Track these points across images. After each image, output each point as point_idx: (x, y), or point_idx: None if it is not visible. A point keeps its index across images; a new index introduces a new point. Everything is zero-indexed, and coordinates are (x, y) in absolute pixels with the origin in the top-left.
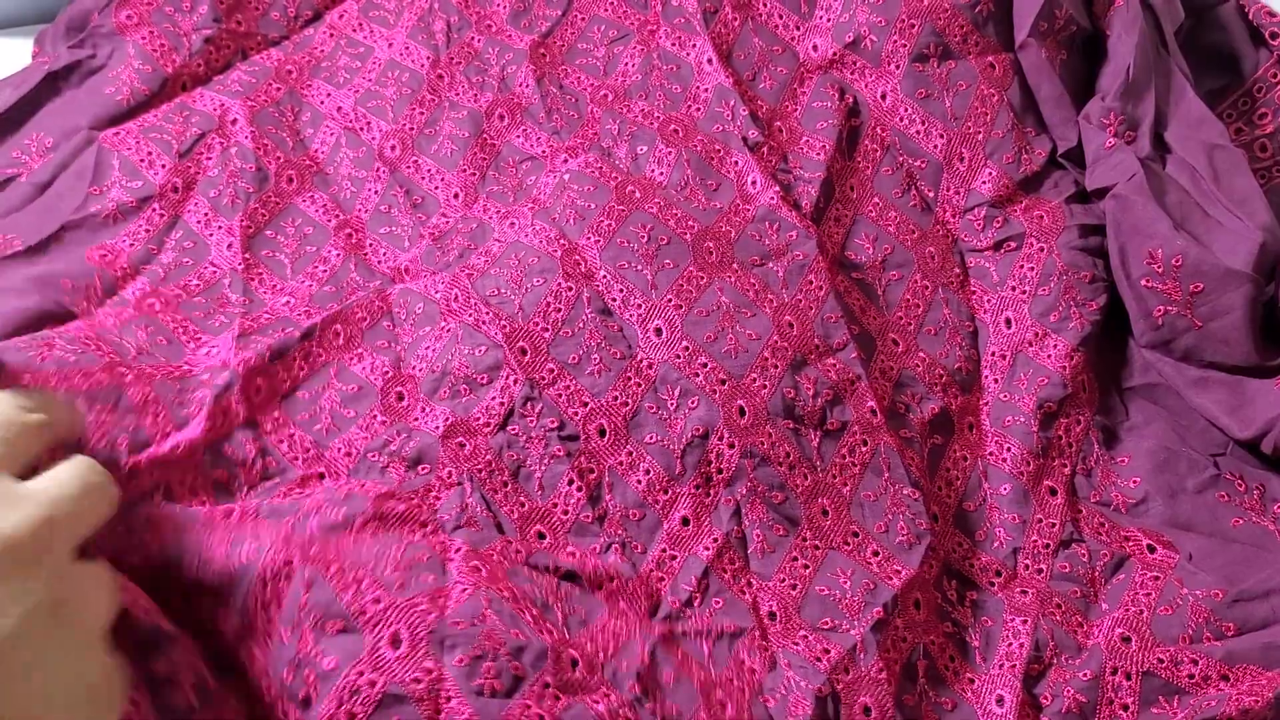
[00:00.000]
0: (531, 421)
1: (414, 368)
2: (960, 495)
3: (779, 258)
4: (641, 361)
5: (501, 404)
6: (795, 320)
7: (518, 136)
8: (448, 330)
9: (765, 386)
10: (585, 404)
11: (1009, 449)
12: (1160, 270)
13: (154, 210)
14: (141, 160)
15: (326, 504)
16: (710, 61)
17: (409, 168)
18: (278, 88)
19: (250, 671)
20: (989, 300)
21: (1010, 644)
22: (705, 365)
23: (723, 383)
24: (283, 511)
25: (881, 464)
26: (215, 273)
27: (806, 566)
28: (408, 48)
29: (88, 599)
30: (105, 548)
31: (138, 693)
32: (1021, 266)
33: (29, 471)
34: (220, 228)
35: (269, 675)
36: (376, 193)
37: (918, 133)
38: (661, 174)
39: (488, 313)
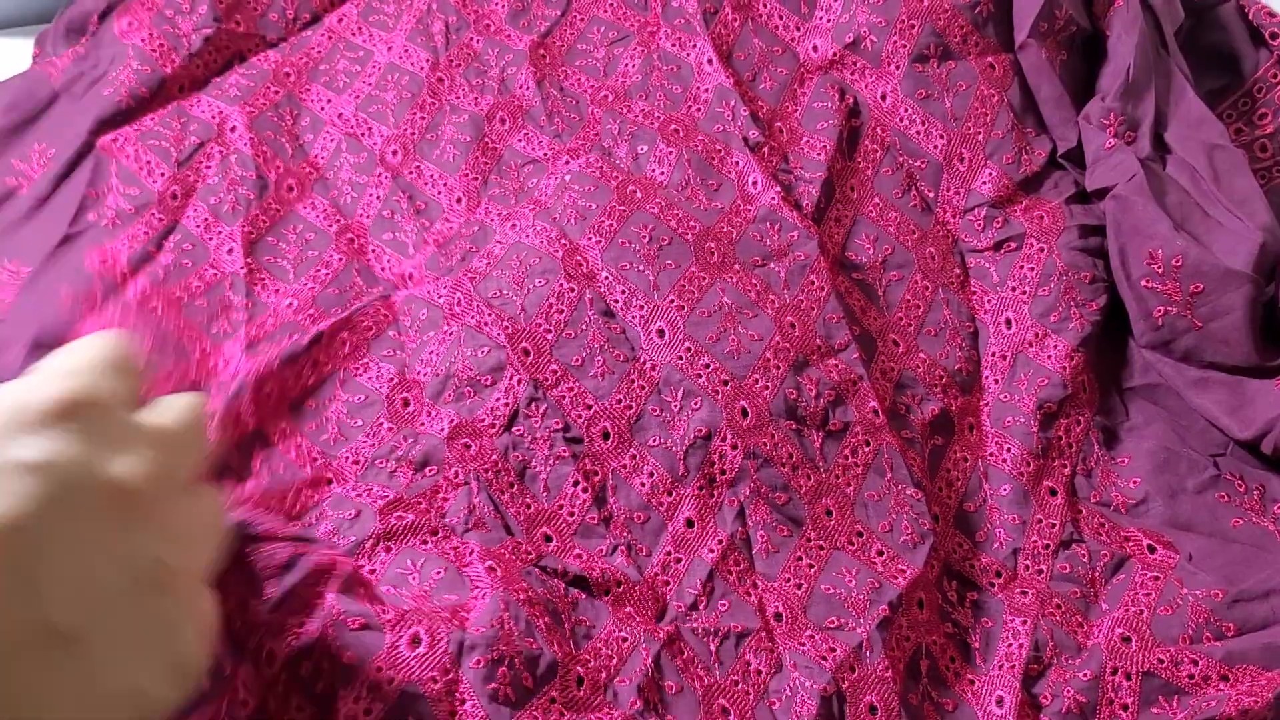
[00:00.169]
0: (536, 422)
1: (419, 373)
2: (961, 496)
3: (780, 258)
4: (645, 364)
5: (506, 405)
6: (797, 321)
7: (519, 140)
8: (450, 334)
9: (768, 387)
10: (589, 406)
11: (1009, 449)
12: (1160, 271)
13: (153, 214)
14: (140, 169)
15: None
16: (710, 62)
17: (411, 173)
18: (276, 91)
19: (268, 659)
20: (989, 301)
21: (1010, 644)
22: (708, 366)
23: (725, 384)
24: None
25: (884, 464)
26: (215, 275)
27: (811, 566)
28: (407, 50)
29: (194, 544)
30: None
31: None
32: (1021, 267)
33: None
34: (221, 233)
35: (288, 665)
36: (379, 198)
37: (918, 133)
38: (662, 174)
39: (490, 314)
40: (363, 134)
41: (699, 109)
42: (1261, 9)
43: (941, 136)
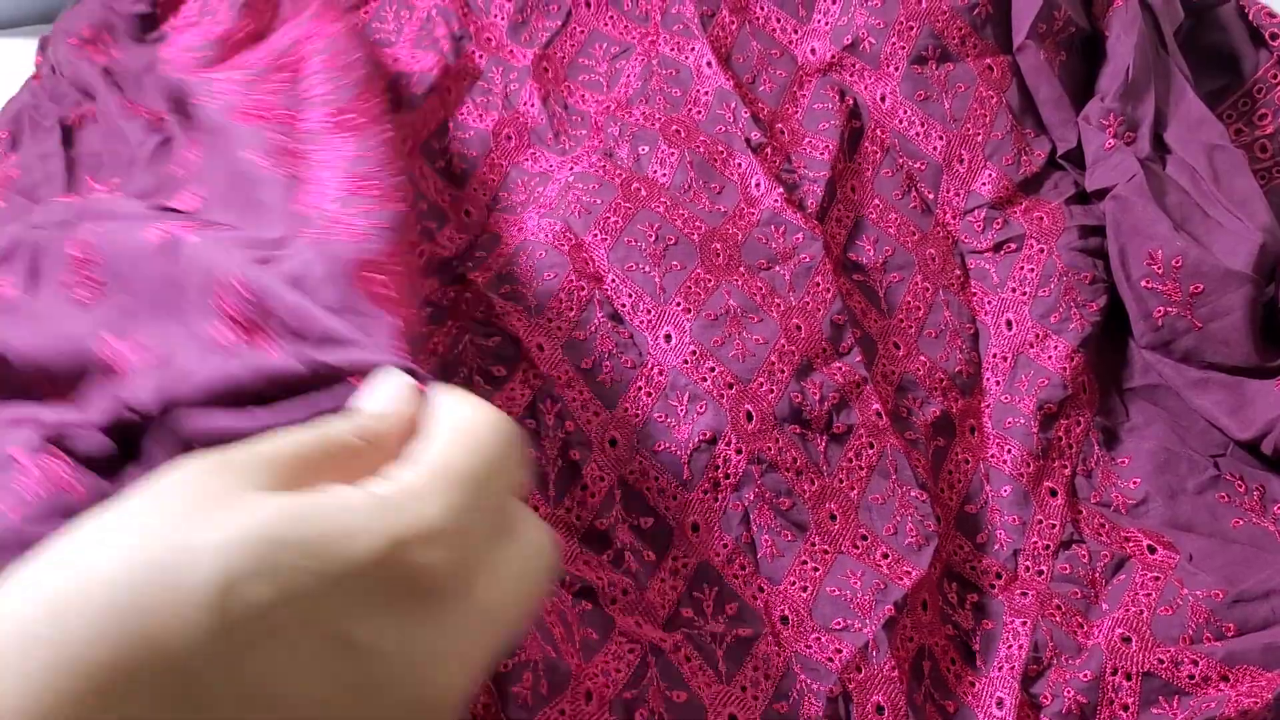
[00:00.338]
0: (550, 420)
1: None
2: (962, 498)
3: (785, 261)
4: (652, 369)
5: (523, 395)
6: (803, 323)
7: (526, 159)
8: (460, 326)
9: (772, 391)
10: (596, 414)
11: (1009, 451)
12: (1160, 271)
13: None
14: None
15: None
16: (709, 65)
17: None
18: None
19: None
20: (989, 302)
21: (1010, 646)
22: (713, 370)
23: (730, 387)
24: None
25: (889, 466)
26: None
27: (816, 569)
28: (414, 56)
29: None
30: None
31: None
32: (1022, 268)
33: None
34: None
35: None
36: None
37: (917, 135)
38: (664, 175)
39: (500, 308)
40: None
41: (699, 111)
42: (1261, 9)
43: (941, 138)
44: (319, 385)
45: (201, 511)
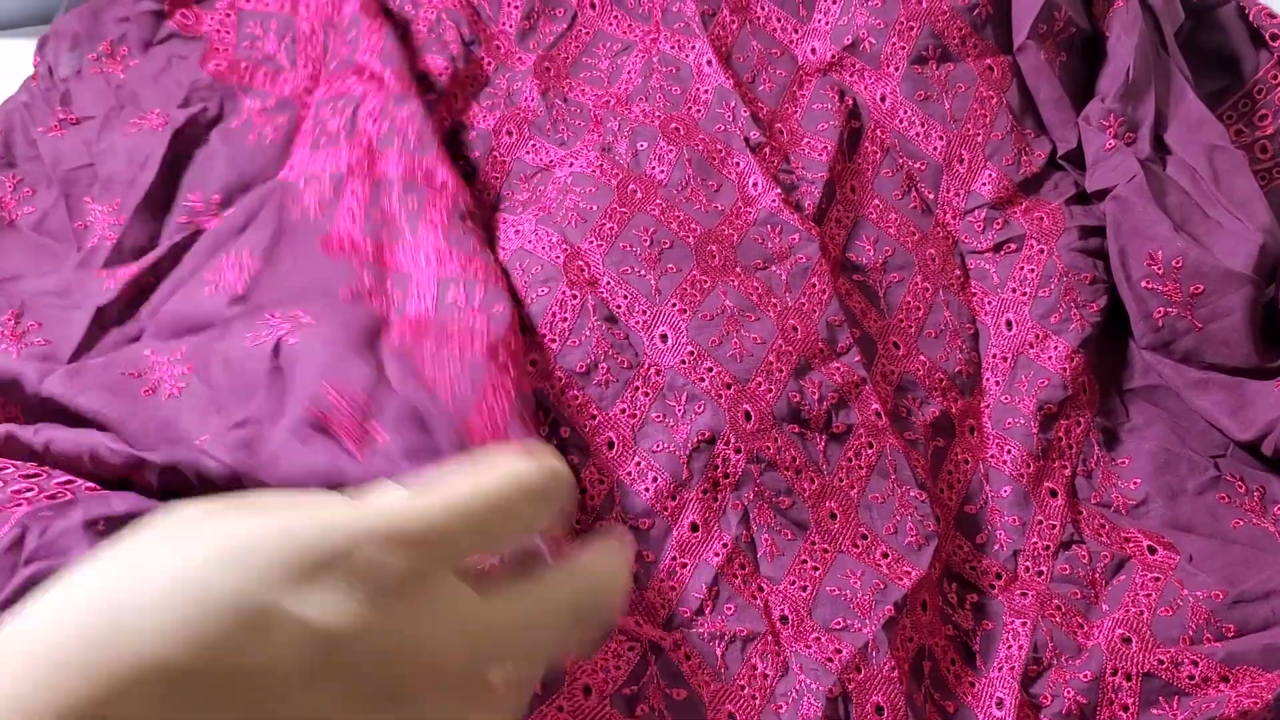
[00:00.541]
0: (543, 431)
1: None
2: (961, 498)
3: (781, 261)
4: (649, 369)
5: None
6: (799, 324)
7: (526, 152)
8: None
9: (771, 391)
10: (593, 416)
11: (1009, 451)
12: (1160, 272)
13: None
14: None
15: None
16: (710, 63)
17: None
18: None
19: None
20: (990, 302)
21: (1010, 646)
22: (711, 370)
23: (728, 387)
24: None
25: (888, 466)
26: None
27: (816, 569)
28: (424, 61)
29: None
30: None
31: None
32: (1022, 268)
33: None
34: None
35: None
36: None
37: (917, 135)
38: (662, 172)
39: None
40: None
41: (699, 110)
42: (1262, 10)
43: (941, 138)
44: None
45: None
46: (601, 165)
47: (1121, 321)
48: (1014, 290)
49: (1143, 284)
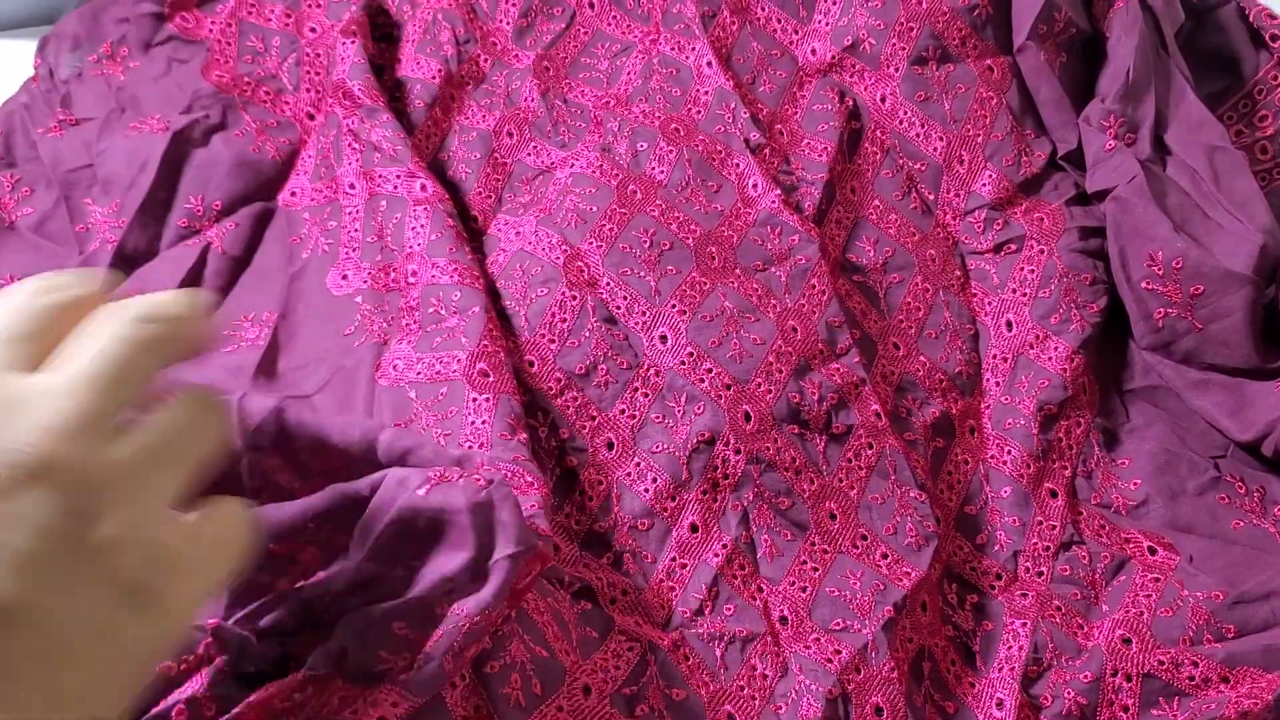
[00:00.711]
0: (542, 432)
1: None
2: (962, 499)
3: (781, 262)
4: (649, 370)
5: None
6: (799, 325)
7: (528, 154)
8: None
9: (770, 391)
10: (592, 417)
11: (1009, 452)
12: (1160, 272)
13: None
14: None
15: None
16: (710, 64)
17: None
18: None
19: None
20: (990, 303)
21: (1010, 647)
22: (710, 371)
23: (728, 388)
24: None
25: (888, 466)
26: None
27: (816, 570)
28: (418, 62)
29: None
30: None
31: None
32: (1022, 269)
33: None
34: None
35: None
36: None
37: (917, 135)
38: (662, 172)
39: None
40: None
41: (699, 111)
42: (1262, 11)
43: (941, 139)
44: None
45: None
46: (601, 166)
47: (1121, 322)
48: (1014, 291)
49: (1143, 285)
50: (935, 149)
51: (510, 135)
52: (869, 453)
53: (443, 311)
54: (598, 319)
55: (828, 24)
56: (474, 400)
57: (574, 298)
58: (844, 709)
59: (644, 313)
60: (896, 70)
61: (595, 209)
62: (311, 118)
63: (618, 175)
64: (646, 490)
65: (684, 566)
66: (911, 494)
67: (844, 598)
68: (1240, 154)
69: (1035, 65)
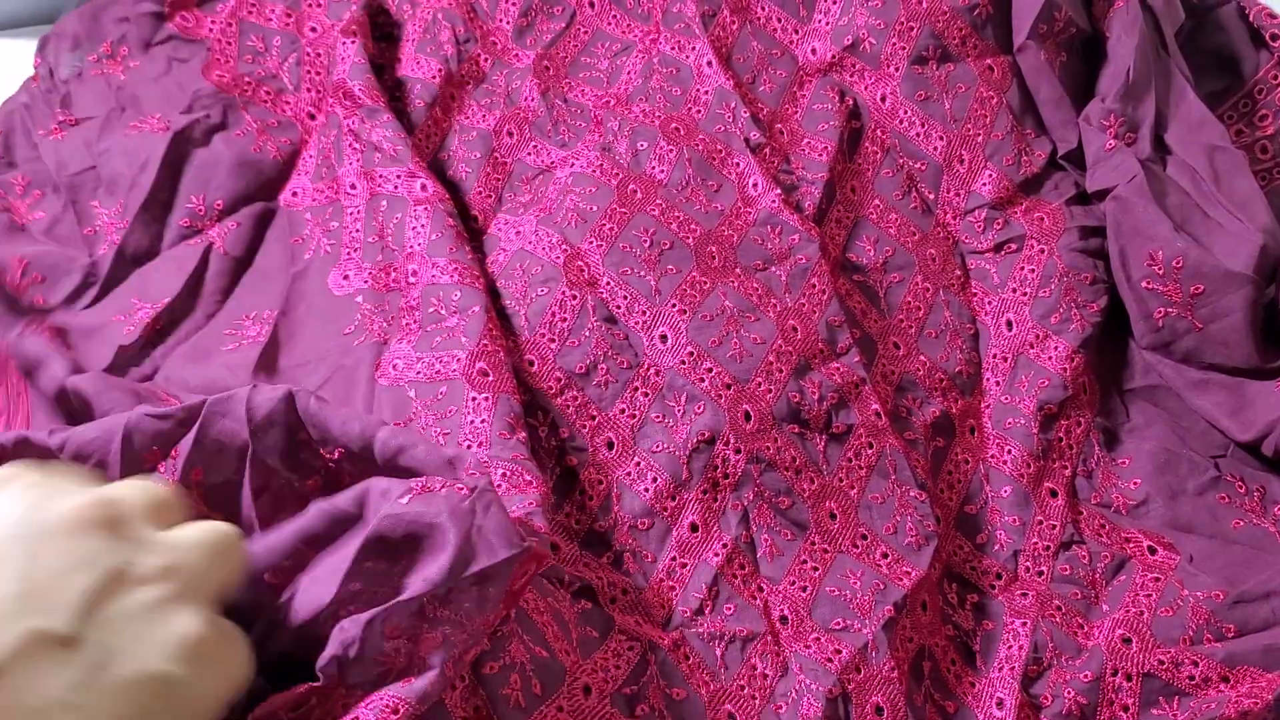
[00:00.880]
0: (542, 432)
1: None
2: (962, 498)
3: (781, 262)
4: (649, 369)
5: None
6: (799, 324)
7: (528, 154)
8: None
9: (770, 391)
10: (592, 417)
11: (1010, 451)
12: (1161, 272)
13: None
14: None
15: None
16: (710, 64)
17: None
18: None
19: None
20: (990, 302)
21: (1010, 646)
22: (710, 370)
23: (728, 387)
24: None
25: (888, 466)
26: None
27: (816, 569)
28: (418, 61)
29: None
30: None
31: None
32: (1022, 268)
33: None
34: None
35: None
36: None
37: (917, 135)
38: (662, 172)
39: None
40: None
41: (699, 110)
42: (1262, 10)
43: (941, 138)
44: None
45: None
46: (601, 165)
47: (1122, 321)
48: (1014, 290)
49: (1143, 284)
50: (935, 148)
51: (510, 135)
52: (869, 452)
53: (443, 311)
54: (598, 318)
55: (828, 23)
56: (473, 399)
57: (574, 297)
58: (844, 708)
59: (644, 312)
60: (897, 70)
61: (595, 208)
62: (312, 117)
63: (618, 175)
64: (646, 490)
65: (684, 566)
66: (911, 493)
67: (844, 597)
68: (1240, 153)
69: (1035, 65)
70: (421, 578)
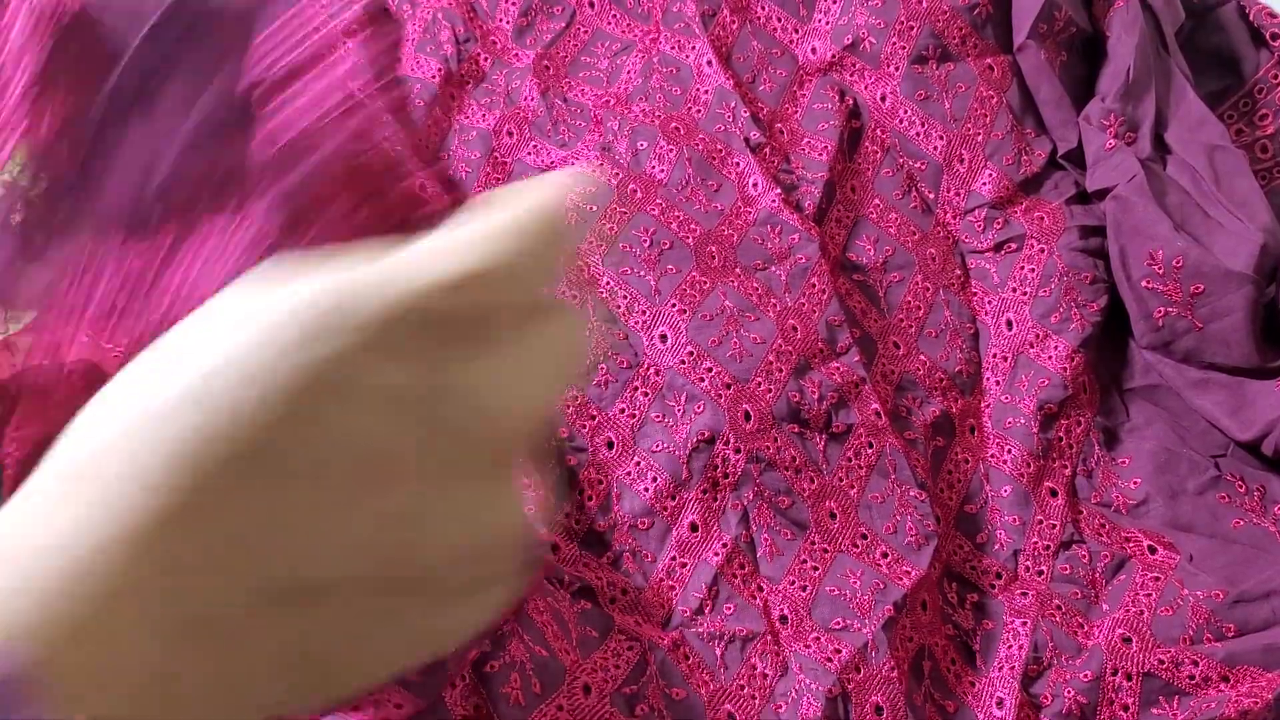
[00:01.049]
0: None
1: None
2: (961, 497)
3: (781, 261)
4: (649, 369)
5: None
6: (799, 324)
7: (528, 154)
8: None
9: (770, 391)
10: (592, 416)
11: (1010, 451)
12: (1161, 271)
13: None
14: None
15: None
16: (710, 63)
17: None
18: None
19: None
20: (990, 302)
21: (1010, 646)
22: (710, 370)
23: (728, 387)
24: None
25: (888, 465)
26: None
27: (816, 569)
28: (418, 61)
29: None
30: None
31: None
32: (1022, 268)
33: None
34: None
35: None
36: None
37: (917, 134)
38: (662, 171)
39: None
40: None
41: (699, 110)
42: (1262, 10)
43: (941, 138)
44: None
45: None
46: (601, 165)
47: (1122, 321)
48: (1014, 290)
49: (1143, 284)
50: (935, 148)
51: (510, 134)
52: (869, 452)
53: None
54: (597, 318)
55: (828, 23)
56: None
57: (573, 297)
58: (844, 708)
59: (644, 312)
60: (897, 69)
61: (594, 208)
62: None
63: (617, 175)
64: (646, 489)
65: (684, 566)
66: (911, 493)
67: (844, 597)
68: (1240, 153)
69: (1035, 64)
70: None
